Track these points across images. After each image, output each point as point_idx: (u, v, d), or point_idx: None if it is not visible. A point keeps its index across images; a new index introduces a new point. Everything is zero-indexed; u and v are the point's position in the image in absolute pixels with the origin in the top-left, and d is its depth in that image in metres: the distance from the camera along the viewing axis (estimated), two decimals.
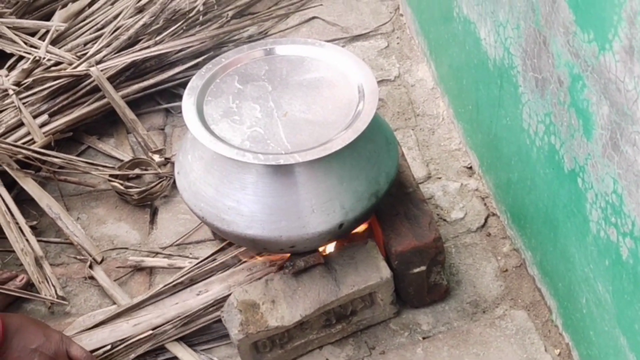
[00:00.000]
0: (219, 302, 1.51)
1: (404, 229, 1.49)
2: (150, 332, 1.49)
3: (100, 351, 1.48)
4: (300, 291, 1.45)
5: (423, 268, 1.49)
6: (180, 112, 2.02)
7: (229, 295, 1.48)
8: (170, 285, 1.55)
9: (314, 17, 2.34)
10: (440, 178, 1.82)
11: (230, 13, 2.27)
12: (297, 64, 1.51)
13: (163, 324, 1.51)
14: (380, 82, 1.58)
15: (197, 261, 1.58)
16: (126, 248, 1.73)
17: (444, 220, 1.72)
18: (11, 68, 2.13)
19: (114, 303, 1.59)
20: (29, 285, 1.65)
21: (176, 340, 1.51)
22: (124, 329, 1.51)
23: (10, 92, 1.97)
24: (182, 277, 1.56)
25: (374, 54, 2.18)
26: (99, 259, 1.70)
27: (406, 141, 1.90)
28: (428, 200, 1.59)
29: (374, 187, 1.41)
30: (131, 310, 1.54)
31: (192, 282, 1.56)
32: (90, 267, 1.68)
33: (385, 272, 1.46)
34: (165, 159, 1.88)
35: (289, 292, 1.45)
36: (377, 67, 2.12)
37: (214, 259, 1.58)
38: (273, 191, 1.36)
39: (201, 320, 1.52)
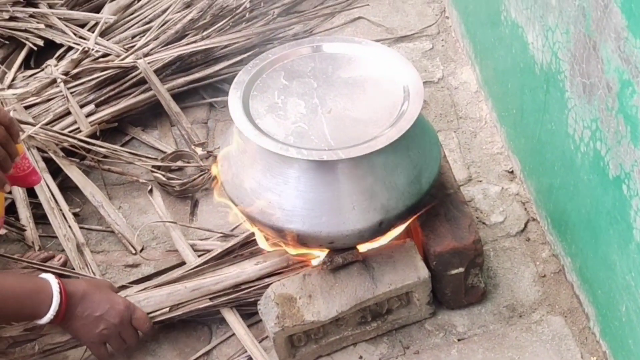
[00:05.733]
0: (278, 273, 1.54)
1: (443, 229, 1.49)
2: (209, 301, 1.52)
3: (158, 312, 1.50)
4: (337, 287, 1.45)
5: (461, 270, 1.49)
6: (224, 107, 2.08)
7: (287, 267, 1.52)
8: (229, 248, 1.59)
9: (359, 17, 2.34)
10: (480, 181, 1.81)
11: (277, 11, 2.28)
12: (343, 61, 1.52)
13: (220, 291, 1.52)
14: (423, 84, 1.59)
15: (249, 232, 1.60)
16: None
17: (484, 223, 1.71)
18: (60, 58, 2.17)
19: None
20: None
21: (234, 310, 1.54)
22: (182, 293, 1.52)
23: (59, 81, 2.01)
24: (239, 245, 1.60)
25: (418, 55, 2.18)
26: (139, 248, 1.72)
27: (448, 143, 1.90)
28: (468, 203, 1.58)
29: (415, 187, 1.41)
30: (191, 276, 1.57)
31: (252, 254, 1.58)
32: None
33: (423, 272, 1.46)
34: (208, 152, 1.90)
35: (325, 288, 1.46)
36: (420, 69, 2.12)
37: None
38: (315, 187, 1.37)
39: (256, 290, 1.53)
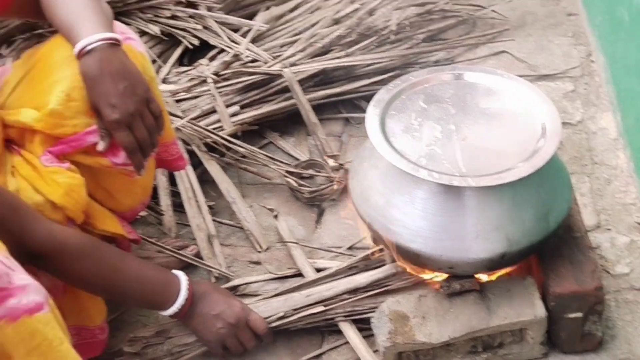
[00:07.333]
0: (389, 280, 1.57)
1: (565, 271, 1.47)
2: (322, 307, 1.56)
3: (274, 317, 1.56)
4: (451, 313, 1.46)
5: (579, 314, 1.46)
6: (359, 123, 2.13)
7: (397, 273, 1.55)
8: (345, 267, 1.62)
9: (503, 51, 2.34)
10: (609, 229, 1.77)
11: (421, 36, 2.32)
12: (483, 92, 1.54)
13: (333, 297, 1.57)
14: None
15: (372, 249, 1.62)
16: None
17: (608, 272, 1.68)
18: (212, 58, 2.28)
19: None
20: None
21: (349, 321, 1.57)
22: (296, 299, 1.58)
23: (209, 80, 2.13)
24: (357, 262, 1.63)
25: (559, 95, 2.16)
26: (264, 247, 1.80)
27: (579, 187, 1.87)
28: (594, 249, 1.56)
29: (542, 225, 1.41)
30: (306, 285, 1.62)
31: (366, 267, 1.61)
32: None
33: (540, 311, 1.45)
34: (339, 164, 1.95)
35: (440, 312, 1.47)
36: (560, 110, 2.07)
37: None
38: (441, 210, 1.40)
39: (370, 300, 1.56)
